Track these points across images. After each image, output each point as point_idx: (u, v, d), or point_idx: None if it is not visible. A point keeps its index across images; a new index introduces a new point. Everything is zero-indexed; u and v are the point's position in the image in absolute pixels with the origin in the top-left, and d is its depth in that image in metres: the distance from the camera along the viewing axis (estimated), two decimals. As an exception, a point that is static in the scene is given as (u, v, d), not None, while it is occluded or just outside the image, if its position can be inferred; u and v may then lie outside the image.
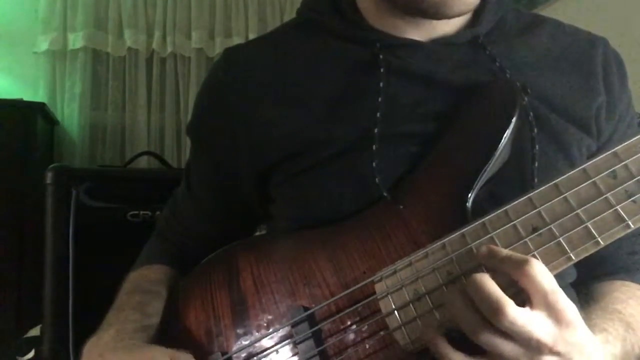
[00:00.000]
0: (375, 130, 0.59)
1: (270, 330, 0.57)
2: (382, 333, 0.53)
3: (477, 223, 0.51)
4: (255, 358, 0.57)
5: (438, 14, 0.60)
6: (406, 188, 0.58)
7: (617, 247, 0.66)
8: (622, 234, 0.47)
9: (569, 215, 0.48)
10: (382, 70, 0.61)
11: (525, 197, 0.50)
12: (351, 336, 0.54)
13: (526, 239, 0.49)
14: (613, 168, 0.48)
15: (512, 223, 0.49)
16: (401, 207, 0.57)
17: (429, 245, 0.52)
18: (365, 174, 0.59)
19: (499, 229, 0.50)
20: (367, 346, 0.53)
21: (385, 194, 0.58)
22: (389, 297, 0.53)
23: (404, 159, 0.60)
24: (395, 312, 0.52)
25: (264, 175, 0.67)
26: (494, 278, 0.45)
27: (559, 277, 0.47)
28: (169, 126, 2.59)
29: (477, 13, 0.65)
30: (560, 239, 0.48)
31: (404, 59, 0.62)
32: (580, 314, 0.46)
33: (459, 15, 0.61)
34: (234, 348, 0.58)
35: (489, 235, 0.50)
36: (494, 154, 0.54)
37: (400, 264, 0.53)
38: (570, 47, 0.67)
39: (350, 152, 0.60)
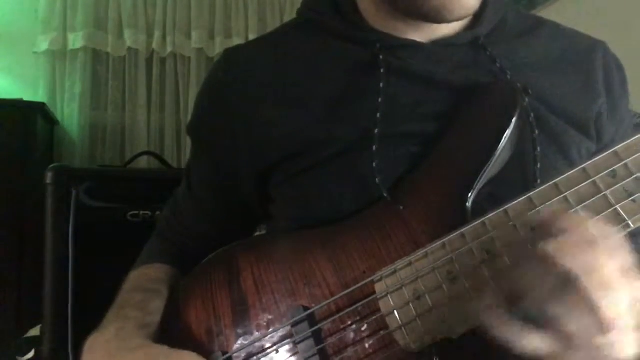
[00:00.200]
0: (376, 131, 0.59)
1: (271, 329, 0.57)
2: (382, 333, 0.53)
3: (477, 222, 0.51)
4: (255, 357, 0.57)
5: (438, 18, 0.60)
6: (406, 188, 0.58)
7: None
8: (622, 233, 0.47)
9: (569, 215, 0.48)
10: (382, 70, 0.61)
11: (525, 197, 0.50)
12: (351, 336, 0.54)
13: (527, 240, 0.49)
14: (613, 167, 0.48)
15: (512, 223, 0.49)
16: (401, 207, 0.57)
17: (428, 245, 0.52)
18: (365, 174, 0.59)
19: (499, 228, 0.50)
20: (367, 346, 0.53)
21: (385, 194, 0.58)
22: (389, 296, 0.53)
23: (404, 159, 0.60)
24: (395, 311, 0.52)
25: (264, 175, 0.67)
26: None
27: None
28: (169, 126, 2.60)
29: (478, 14, 0.65)
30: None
31: (404, 60, 0.62)
32: None
33: (459, 19, 0.61)
34: (235, 347, 0.58)
35: (489, 235, 0.50)
36: (494, 154, 0.54)
37: (400, 263, 0.53)
38: (570, 50, 0.67)
39: (351, 153, 0.60)
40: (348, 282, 0.56)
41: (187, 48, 2.62)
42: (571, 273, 0.40)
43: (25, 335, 1.51)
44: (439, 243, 0.52)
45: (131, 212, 1.39)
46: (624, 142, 0.48)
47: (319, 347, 0.54)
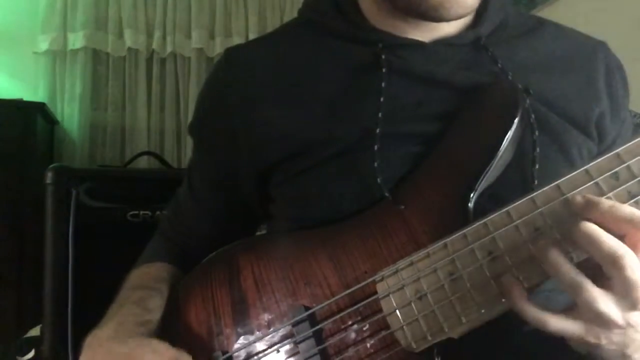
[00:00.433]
0: (377, 131, 0.59)
1: (271, 329, 0.57)
2: (383, 333, 0.53)
3: (478, 223, 0.51)
4: (255, 357, 0.57)
5: (437, 17, 0.60)
6: (407, 188, 0.58)
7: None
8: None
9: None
10: (383, 70, 0.61)
11: (527, 198, 0.50)
12: (352, 336, 0.54)
13: (528, 241, 0.49)
14: (615, 169, 0.48)
15: (514, 224, 0.49)
16: (402, 207, 0.57)
17: (430, 245, 0.52)
18: (366, 174, 0.59)
19: (500, 229, 0.50)
20: (368, 346, 0.53)
21: (386, 194, 0.58)
22: (391, 296, 0.53)
23: (406, 159, 0.59)
24: (397, 311, 0.52)
25: (264, 175, 0.67)
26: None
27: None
28: (169, 126, 2.60)
29: (479, 14, 0.65)
30: (562, 240, 0.48)
31: (406, 60, 0.62)
32: None
33: (457, 18, 0.61)
34: (235, 347, 0.58)
35: (491, 236, 0.50)
36: (495, 154, 0.54)
37: (401, 263, 0.53)
38: (571, 50, 0.67)
39: (352, 152, 0.60)
40: (349, 281, 0.56)
41: (187, 48, 2.62)
42: (618, 251, 0.42)
43: (25, 335, 1.51)
44: (440, 243, 0.52)
45: (131, 212, 1.38)
46: (625, 144, 0.48)
47: (320, 347, 0.54)
